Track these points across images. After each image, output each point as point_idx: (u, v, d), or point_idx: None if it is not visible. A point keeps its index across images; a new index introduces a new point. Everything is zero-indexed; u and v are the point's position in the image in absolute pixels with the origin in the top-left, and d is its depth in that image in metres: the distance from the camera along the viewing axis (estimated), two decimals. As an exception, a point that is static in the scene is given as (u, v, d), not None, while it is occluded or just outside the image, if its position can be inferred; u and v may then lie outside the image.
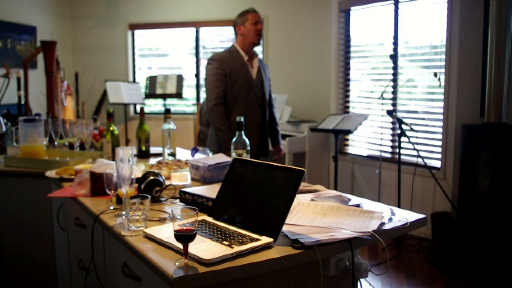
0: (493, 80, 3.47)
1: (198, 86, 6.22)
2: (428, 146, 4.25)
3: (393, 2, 4.50)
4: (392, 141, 4.60)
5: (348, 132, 4.27)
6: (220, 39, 6.19)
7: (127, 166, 1.56)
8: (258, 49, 5.83)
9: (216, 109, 3.13)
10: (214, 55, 3.27)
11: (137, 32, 6.37)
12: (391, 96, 4.56)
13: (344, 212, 1.55)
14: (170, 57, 6.40)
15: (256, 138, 3.24)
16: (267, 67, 3.51)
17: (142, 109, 2.87)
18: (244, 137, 2.19)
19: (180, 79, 5.75)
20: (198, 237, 1.28)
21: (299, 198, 1.72)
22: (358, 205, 1.66)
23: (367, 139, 4.93)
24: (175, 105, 6.39)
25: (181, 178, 2.08)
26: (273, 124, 3.49)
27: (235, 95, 3.18)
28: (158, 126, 3.19)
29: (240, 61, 3.23)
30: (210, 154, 2.67)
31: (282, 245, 1.30)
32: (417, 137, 4.23)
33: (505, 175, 3.43)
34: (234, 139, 2.19)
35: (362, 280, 1.50)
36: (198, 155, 2.65)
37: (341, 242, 1.32)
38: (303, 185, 1.94)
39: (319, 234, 1.35)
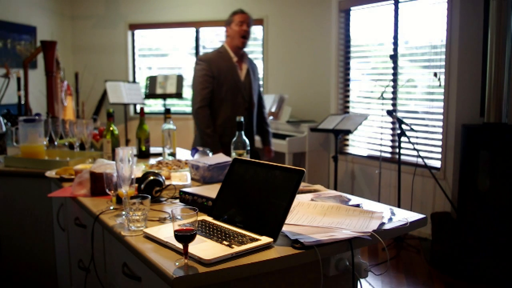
0: (493, 80, 3.47)
1: (198, 86, 6.21)
2: (428, 146, 4.25)
3: (393, 2, 4.50)
4: (392, 141, 4.60)
5: (348, 132, 4.27)
6: (220, 39, 6.19)
7: (127, 166, 1.56)
8: (258, 49, 5.84)
9: (202, 111, 3.10)
10: (202, 55, 3.22)
11: (137, 32, 6.37)
12: (391, 96, 4.56)
13: (344, 212, 1.55)
14: (170, 57, 6.40)
15: None
16: (257, 67, 3.45)
17: (142, 109, 2.87)
18: (244, 137, 2.19)
19: (180, 79, 5.75)
20: (198, 237, 1.28)
21: (299, 198, 1.72)
22: (358, 205, 1.66)
23: (367, 139, 4.93)
24: (175, 105, 6.39)
25: (181, 178, 2.08)
26: (264, 125, 3.45)
27: (222, 98, 3.13)
28: (158, 126, 3.19)
29: (228, 62, 3.17)
30: (210, 154, 2.67)
31: (282, 245, 1.30)
32: (417, 137, 4.23)
33: (505, 175, 3.43)
34: (234, 139, 2.19)
35: (362, 280, 1.50)
36: (198, 155, 2.65)
37: (341, 242, 1.32)
38: (303, 185, 1.94)
39: (319, 234, 1.35)
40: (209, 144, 3.04)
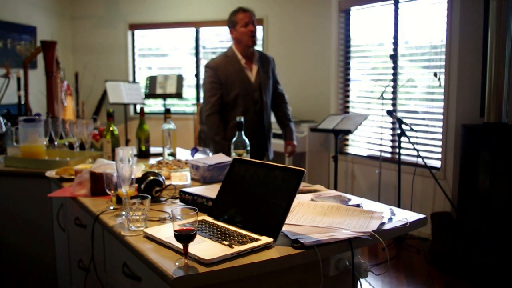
0: (493, 80, 3.47)
1: (198, 86, 6.22)
2: (428, 146, 4.25)
3: (393, 2, 4.50)
4: (392, 141, 4.60)
5: (348, 132, 4.27)
6: (220, 39, 6.19)
7: (127, 166, 1.56)
8: (258, 49, 5.82)
9: (211, 118, 3.05)
10: (210, 62, 3.13)
11: (137, 32, 6.37)
12: (391, 96, 4.56)
13: (344, 212, 1.55)
14: (170, 57, 6.40)
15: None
16: (269, 61, 3.28)
17: (142, 109, 2.87)
18: (244, 137, 2.19)
19: (180, 79, 5.76)
20: (198, 237, 1.28)
21: (299, 198, 1.72)
22: (358, 205, 1.66)
23: (367, 139, 4.93)
24: (175, 105, 6.39)
25: (181, 178, 2.08)
26: (285, 120, 3.36)
27: (232, 103, 3.07)
28: (158, 126, 3.19)
29: (237, 66, 3.08)
30: (210, 154, 2.67)
31: (282, 245, 1.30)
32: (417, 137, 4.23)
33: (505, 175, 3.43)
34: (234, 139, 2.19)
35: (362, 280, 1.50)
36: (198, 155, 2.65)
37: (341, 242, 1.32)
38: (303, 185, 1.94)
39: (319, 234, 1.35)
40: (219, 151, 2.96)
